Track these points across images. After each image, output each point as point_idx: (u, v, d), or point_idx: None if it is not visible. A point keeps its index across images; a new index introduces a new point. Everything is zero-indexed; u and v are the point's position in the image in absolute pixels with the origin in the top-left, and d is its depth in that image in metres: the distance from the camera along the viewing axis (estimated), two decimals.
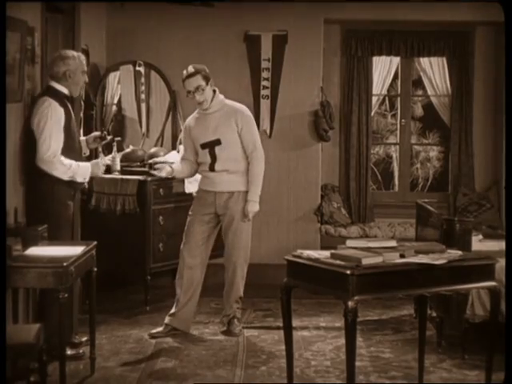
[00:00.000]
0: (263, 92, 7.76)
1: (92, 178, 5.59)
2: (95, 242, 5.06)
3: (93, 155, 6.30)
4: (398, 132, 8.60)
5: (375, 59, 8.24)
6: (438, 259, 4.25)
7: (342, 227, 7.93)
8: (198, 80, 5.88)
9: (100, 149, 6.16)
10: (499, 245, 5.49)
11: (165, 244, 6.70)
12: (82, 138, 5.83)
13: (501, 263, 4.57)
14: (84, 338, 5.46)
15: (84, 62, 5.50)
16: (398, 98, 8.60)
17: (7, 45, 4.77)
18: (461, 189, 8.12)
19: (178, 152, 6.86)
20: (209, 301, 6.73)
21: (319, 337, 6.00)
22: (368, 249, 4.33)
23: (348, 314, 4.00)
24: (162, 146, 7.45)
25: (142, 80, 7.54)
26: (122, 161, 6.67)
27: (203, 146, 5.99)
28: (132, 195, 6.59)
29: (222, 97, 6.03)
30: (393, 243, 4.49)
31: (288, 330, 4.61)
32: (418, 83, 8.90)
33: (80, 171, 5.37)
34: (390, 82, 8.39)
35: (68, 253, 4.64)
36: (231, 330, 6.03)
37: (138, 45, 7.65)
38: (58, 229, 5.23)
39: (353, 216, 8.13)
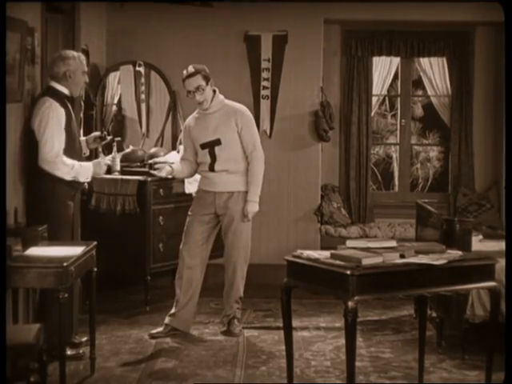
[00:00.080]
0: (263, 92, 7.76)
1: (92, 178, 5.59)
2: (95, 242, 5.06)
3: (93, 155, 6.30)
4: (398, 132, 8.59)
5: (375, 59, 8.24)
6: (438, 259, 4.25)
7: (342, 227, 7.93)
8: (198, 80, 5.88)
9: (100, 149, 6.17)
10: (499, 245, 5.48)
11: (165, 244, 6.69)
12: (82, 138, 5.83)
13: (501, 263, 4.56)
14: (84, 338, 5.46)
15: (84, 62, 5.50)
16: (398, 98, 8.60)
17: (7, 45, 4.76)
18: (461, 189, 8.12)
19: (178, 152, 6.85)
20: (209, 301, 6.73)
21: (319, 337, 6.00)
22: (368, 249, 4.33)
23: (348, 315, 4.00)
24: (161, 146, 7.45)
25: (142, 80, 7.53)
26: (122, 161, 6.67)
27: (203, 146, 5.99)
28: (132, 195, 6.59)
29: (221, 97, 6.03)
30: (393, 243, 4.49)
31: (288, 330, 4.61)
32: (418, 83, 8.89)
33: (82, 171, 5.37)
34: (390, 82, 8.39)
35: (68, 253, 4.64)
36: (231, 330, 6.03)
37: (137, 45, 7.64)
38: (58, 229, 5.23)
39: (353, 216, 8.13)
